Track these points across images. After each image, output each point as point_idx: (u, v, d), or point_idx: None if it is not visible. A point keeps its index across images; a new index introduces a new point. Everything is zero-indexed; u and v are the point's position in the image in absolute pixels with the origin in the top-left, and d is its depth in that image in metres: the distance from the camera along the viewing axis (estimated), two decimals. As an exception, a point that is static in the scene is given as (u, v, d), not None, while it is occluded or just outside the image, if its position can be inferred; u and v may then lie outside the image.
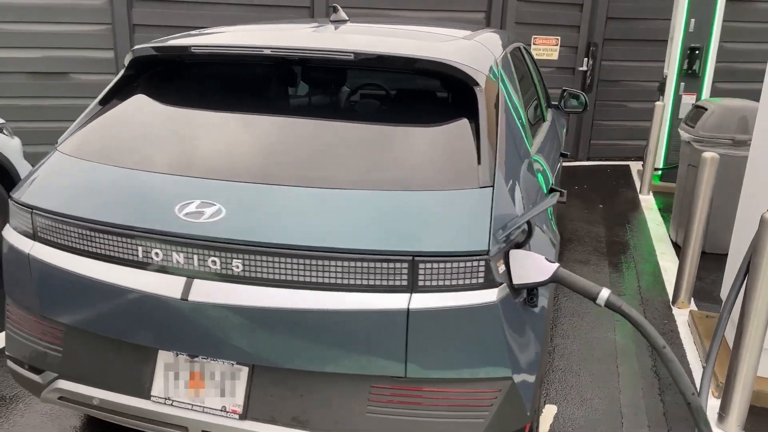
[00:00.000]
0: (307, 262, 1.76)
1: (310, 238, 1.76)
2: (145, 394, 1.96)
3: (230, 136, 2.10)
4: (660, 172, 6.76)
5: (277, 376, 1.86)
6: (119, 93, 2.40)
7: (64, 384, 2.07)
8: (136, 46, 2.41)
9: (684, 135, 4.92)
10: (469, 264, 1.74)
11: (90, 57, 6.48)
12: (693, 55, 6.46)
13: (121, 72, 2.43)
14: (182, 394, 1.94)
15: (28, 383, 2.18)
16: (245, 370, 1.89)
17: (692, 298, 3.95)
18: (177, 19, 6.56)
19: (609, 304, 1.89)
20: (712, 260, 4.48)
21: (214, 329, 1.83)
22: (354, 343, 1.77)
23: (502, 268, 1.81)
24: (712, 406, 2.83)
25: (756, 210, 2.95)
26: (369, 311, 1.74)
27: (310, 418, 1.85)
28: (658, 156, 6.72)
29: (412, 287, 1.74)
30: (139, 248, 1.87)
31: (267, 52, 2.17)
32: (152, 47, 2.36)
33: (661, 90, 6.93)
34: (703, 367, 2.66)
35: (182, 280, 1.83)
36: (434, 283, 1.74)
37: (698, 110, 4.95)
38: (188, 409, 1.93)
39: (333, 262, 1.75)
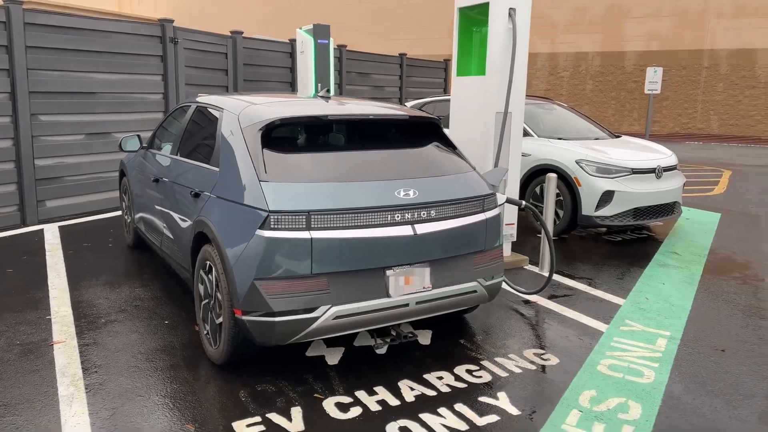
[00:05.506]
0: (453, 205, 3.89)
1: (451, 194, 3.92)
2: (386, 294, 3.64)
3: (366, 161, 3.96)
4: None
5: (441, 264, 3.88)
6: (269, 144, 3.81)
7: (338, 308, 3.49)
8: (281, 115, 3.85)
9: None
10: (493, 197, 4.24)
11: None
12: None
13: (262, 130, 3.81)
14: (403, 288, 3.71)
15: (299, 323, 3.43)
16: (428, 264, 3.86)
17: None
18: None
19: (527, 207, 4.68)
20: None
21: (423, 246, 3.73)
22: (470, 237, 3.98)
23: None
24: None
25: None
26: (476, 222, 3.99)
27: (456, 278, 3.94)
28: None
29: (484, 210, 4.12)
30: (388, 215, 3.63)
31: (393, 116, 4.14)
32: (299, 116, 3.95)
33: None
34: None
35: (409, 226, 3.70)
36: (489, 206, 4.16)
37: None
38: (407, 294, 3.72)
39: (462, 204, 3.94)
